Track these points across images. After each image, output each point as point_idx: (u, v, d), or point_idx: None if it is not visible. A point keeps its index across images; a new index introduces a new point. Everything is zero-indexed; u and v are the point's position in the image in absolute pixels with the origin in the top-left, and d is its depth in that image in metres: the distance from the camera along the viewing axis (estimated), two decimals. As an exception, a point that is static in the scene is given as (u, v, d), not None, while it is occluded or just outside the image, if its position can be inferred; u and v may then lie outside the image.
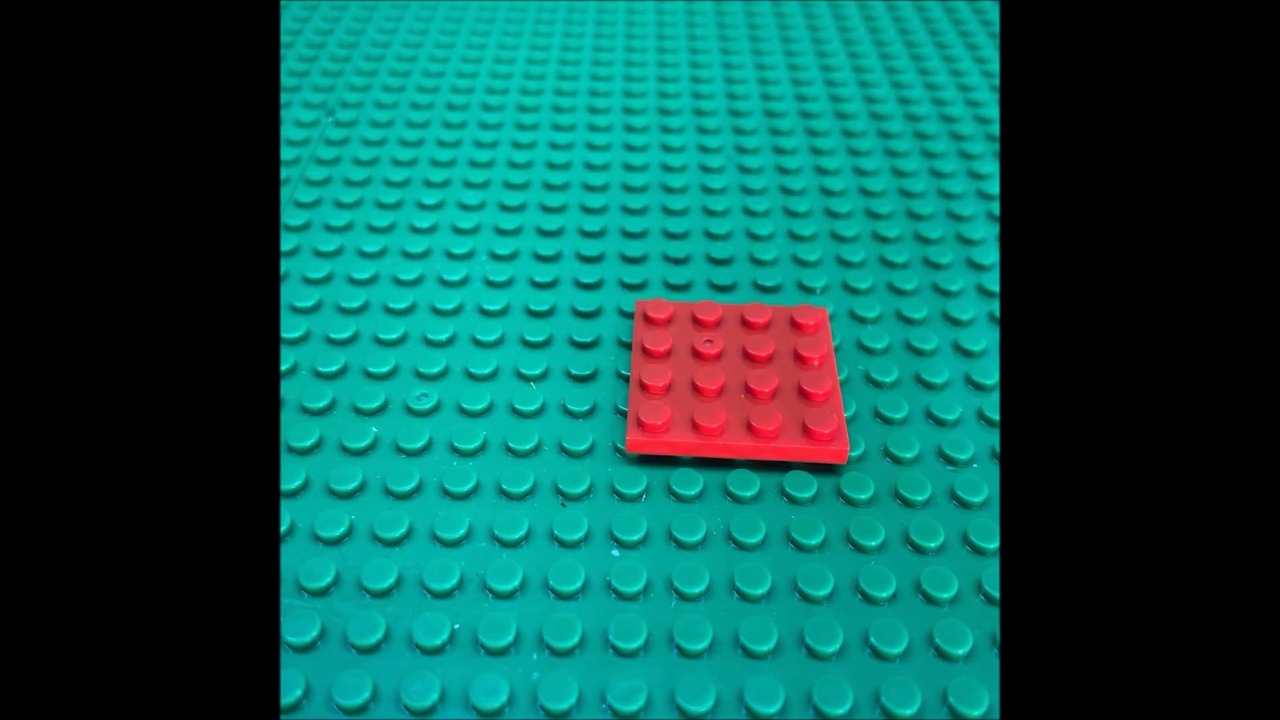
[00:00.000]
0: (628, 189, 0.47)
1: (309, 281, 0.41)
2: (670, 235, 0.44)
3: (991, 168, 0.48)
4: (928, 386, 0.36)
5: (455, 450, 0.33)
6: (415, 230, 0.44)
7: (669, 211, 0.45)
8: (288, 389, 0.36)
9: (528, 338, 0.38)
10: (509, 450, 0.33)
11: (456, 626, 0.28)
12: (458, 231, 0.44)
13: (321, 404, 0.35)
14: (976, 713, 0.26)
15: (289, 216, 0.44)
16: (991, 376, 0.36)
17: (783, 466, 0.33)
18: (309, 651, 0.28)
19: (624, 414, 0.35)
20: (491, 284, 0.41)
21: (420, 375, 0.36)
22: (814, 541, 0.31)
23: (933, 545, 0.31)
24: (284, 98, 0.53)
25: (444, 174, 0.47)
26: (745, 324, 0.36)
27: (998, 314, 0.39)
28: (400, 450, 0.33)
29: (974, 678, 0.27)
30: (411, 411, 0.35)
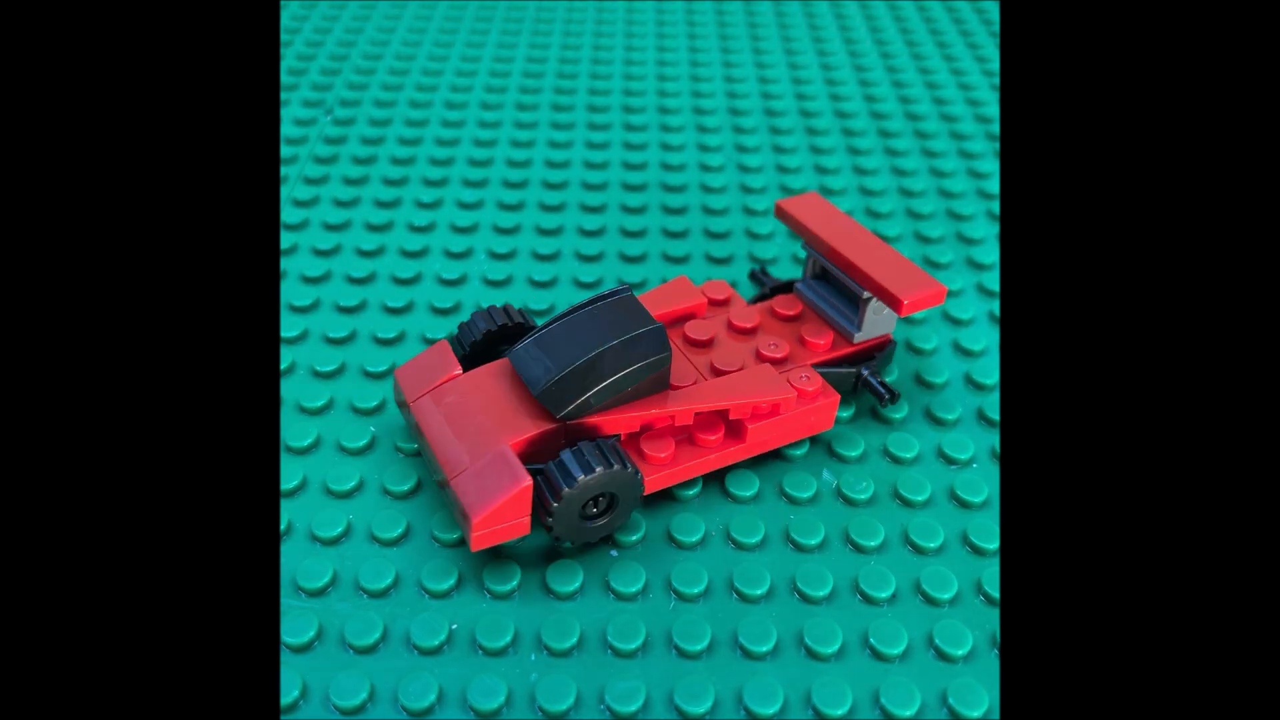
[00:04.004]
0: (627, 187, 0.47)
1: (307, 280, 0.41)
2: (670, 234, 0.44)
3: (991, 167, 0.48)
4: (928, 386, 0.36)
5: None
6: (413, 229, 0.44)
7: (668, 210, 0.45)
8: (285, 388, 0.35)
9: (526, 337, 0.38)
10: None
11: (454, 627, 0.28)
12: (456, 230, 0.44)
13: (319, 403, 0.35)
14: (976, 713, 0.26)
15: (287, 215, 0.44)
16: (991, 376, 0.36)
17: (779, 453, 0.33)
18: (306, 652, 0.28)
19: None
20: (490, 283, 0.41)
21: (418, 374, 0.36)
22: (813, 541, 0.30)
23: (932, 545, 0.30)
24: (283, 96, 0.53)
25: (442, 172, 0.47)
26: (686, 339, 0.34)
27: (998, 314, 0.39)
28: (398, 450, 0.33)
29: (974, 678, 0.27)
30: (410, 411, 0.35)
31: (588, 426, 0.29)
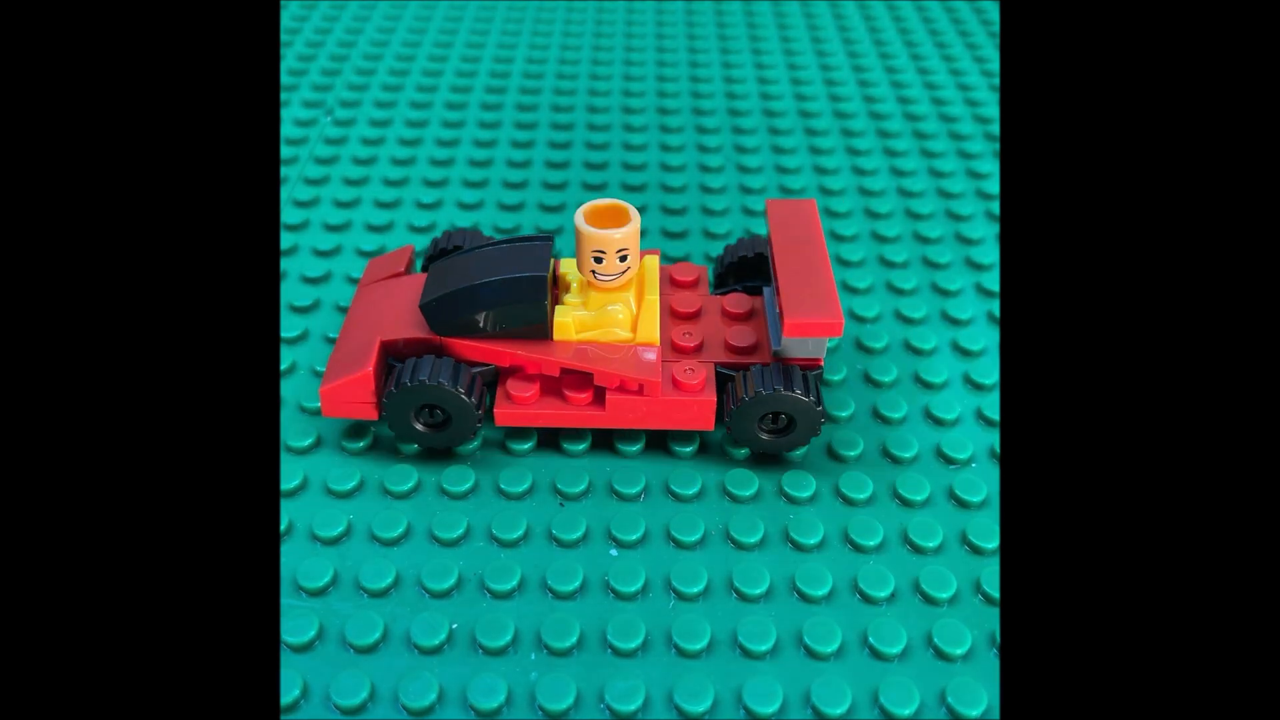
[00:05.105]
0: (627, 188, 0.47)
1: (307, 280, 0.41)
2: (669, 234, 0.44)
3: (991, 167, 0.48)
4: (927, 386, 0.36)
5: (453, 449, 0.33)
6: (414, 229, 0.44)
7: (668, 211, 0.45)
8: (286, 388, 0.35)
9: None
10: (506, 449, 0.33)
11: (454, 626, 0.28)
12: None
13: (320, 404, 0.35)
14: (975, 713, 0.26)
15: (287, 215, 0.44)
16: (991, 376, 0.36)
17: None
18: (307, 651, 0.28)
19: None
20: (490, 283, 0.41)
21: (418, 374, 0.36)
22: (812, 541, 0.30)
23: (931, 545, 0.31)
24: (283, 96, 0.53)
25: (442, 173, 0.47)
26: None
27: (997, 314, 0.39)
28: (398, 450, 0.33)
29: (973, 678, 0.27)
30: (410, 411, 0.35)
31: (456, 348, 0.32)
